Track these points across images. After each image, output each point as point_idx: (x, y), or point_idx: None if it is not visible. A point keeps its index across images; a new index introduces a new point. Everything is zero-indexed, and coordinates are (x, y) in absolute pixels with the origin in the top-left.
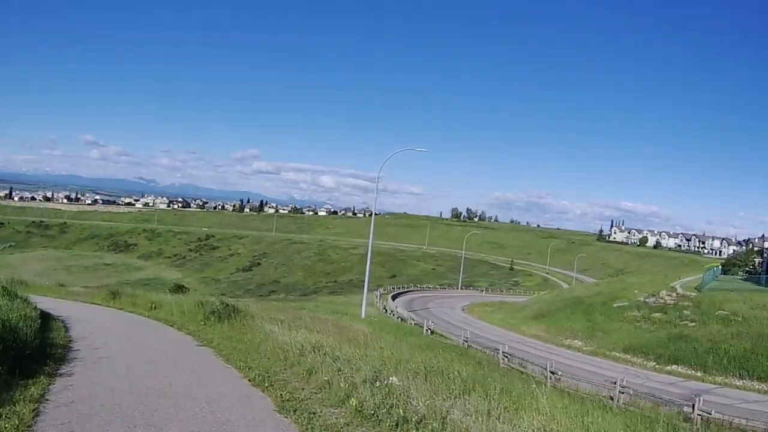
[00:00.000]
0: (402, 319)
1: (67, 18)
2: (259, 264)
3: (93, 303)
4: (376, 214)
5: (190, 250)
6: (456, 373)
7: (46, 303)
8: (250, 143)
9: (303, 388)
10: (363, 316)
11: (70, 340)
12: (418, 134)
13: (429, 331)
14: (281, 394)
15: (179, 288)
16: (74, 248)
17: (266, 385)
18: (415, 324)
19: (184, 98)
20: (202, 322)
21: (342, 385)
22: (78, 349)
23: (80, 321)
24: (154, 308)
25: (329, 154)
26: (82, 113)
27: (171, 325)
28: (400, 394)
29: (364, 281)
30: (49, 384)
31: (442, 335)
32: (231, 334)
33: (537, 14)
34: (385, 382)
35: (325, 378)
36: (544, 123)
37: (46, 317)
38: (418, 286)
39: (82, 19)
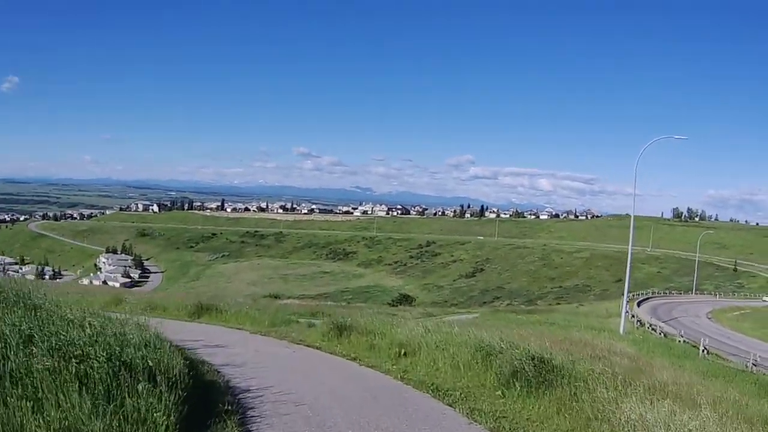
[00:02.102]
0: (665, 335)
1: (277, 36)
2: (482, 270)
3: (294, 341)
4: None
5: (411, 257)
6: None
7: (210, 336)
8: (465, 149)
9: None
10: (622, 331)
11: None
12: (634, 134)
13: (705, 351)
14: None
15: (405, 298)
16: (290, 257)
17: None
18: (683, 341)
19: (397, 106)
20: (499, 393)
21: None
22: None
23: (267, 395)
24: (404, 355)
25: (545, 156)
26: (294, 126)
27: (446, 400)
28: None
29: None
30: None
31: (717, 355)
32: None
33: None
34: None
35: None
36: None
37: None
38: (658, 292)
39: (291, 36)
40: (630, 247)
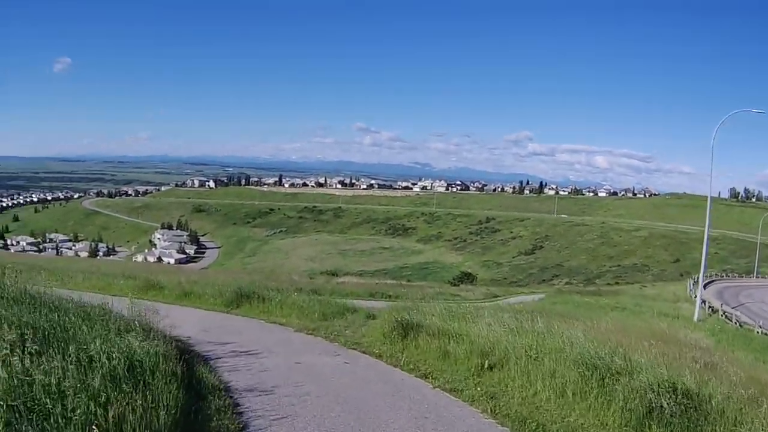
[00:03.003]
0: (740, 324)
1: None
2: (541, 247)
3: (347, 344)
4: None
5: (471, 233)
6: None
7: (244, 335)
8: (523, 125)
9: None
10: (696, 318)
11: None
12: (691, 112)
13: None
14: None
15: (466, 276)
16: (349, 232)
17: None
18: (763, 332)
19: (456, 82)
20: None
21: None
22: None
23: None
24: (488, 368)
25: (602, 134)
26: (353, 101)
27: None
28: None
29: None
30: None
31: None
32: None
33: None
34: None
35: None
36: None
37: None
38: (717, 274)
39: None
40: (707, 230)
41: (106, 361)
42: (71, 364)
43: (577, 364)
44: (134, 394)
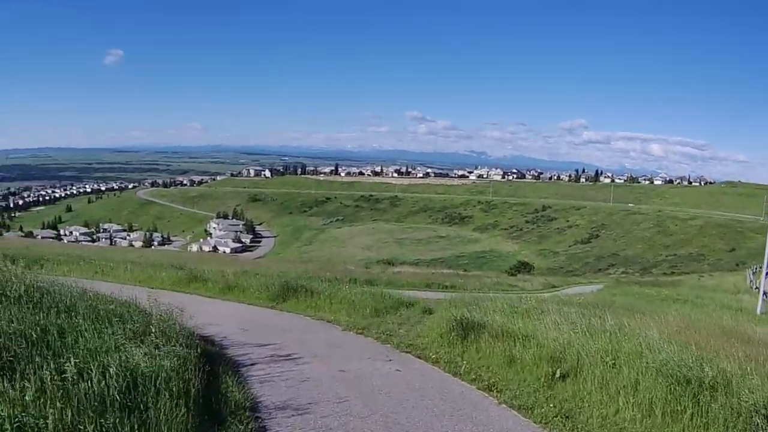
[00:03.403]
0: None
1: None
2: (597, 236)
3: (400, 346)
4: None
5: (527, 222)
6: None
7: (287, 335)
8: (578, 113)
9: None
10: (759, 311)
11: None
12: (746, 100)
13: None
14: None
15: (523, 266)
16: (406, 221)
17: None
18: None
19: (510, 70)
20: None
21: None
22: None
23: None
24: (560, 378)
25: (657, 121)
26: (406, 90)
27: None
28: None
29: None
30: None
31: None
32: None
33: None
34: None
35: None
36: None
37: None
38: None
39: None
40: None
41: (98, 379)
42: (33, 389)
43: (664, 375)
44: (120, 427)
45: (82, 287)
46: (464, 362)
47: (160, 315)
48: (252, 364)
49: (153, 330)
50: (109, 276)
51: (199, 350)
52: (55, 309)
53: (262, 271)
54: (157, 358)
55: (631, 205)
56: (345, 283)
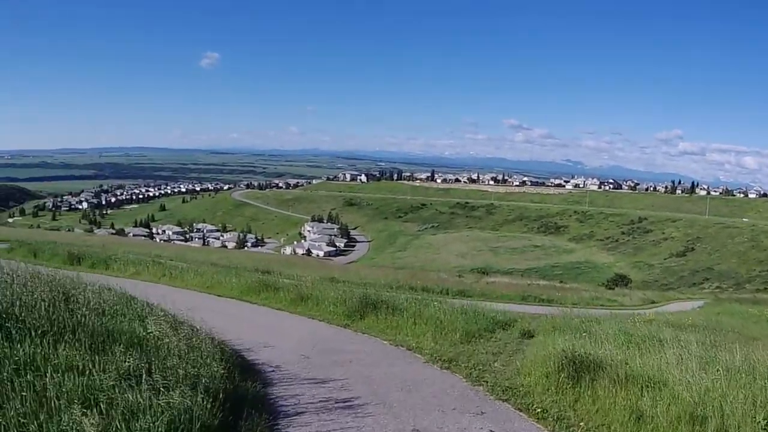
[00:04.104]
0: None
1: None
2: (692, 249)
3: (496, 388)
4: None
5: (623, 233)
6: None
7: (354, 366)
8: (674, 123)
9: None
10: None
11: None
12: None
13: None
14: None
15: (620, 279)
16: (501, 229)
17: None
18: None
19: (606, 79)
20: None
21: None
22: None
23: None
24: None
25: (751, 134)
26: (503, 97)
27: None
28: None
29: None
30: None
31: None
32: None
33: None
34: None
35: None
36: None
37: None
38: None
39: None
40: None
41: None
42: None
43: None
44: None
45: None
46: (575, 416)
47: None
48: (296, 414)
49: (159, 366)
50: (177, 280)
51: (222, 395)
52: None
53: (349, 277)
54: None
55: (692, 212)
56: (435, 294)
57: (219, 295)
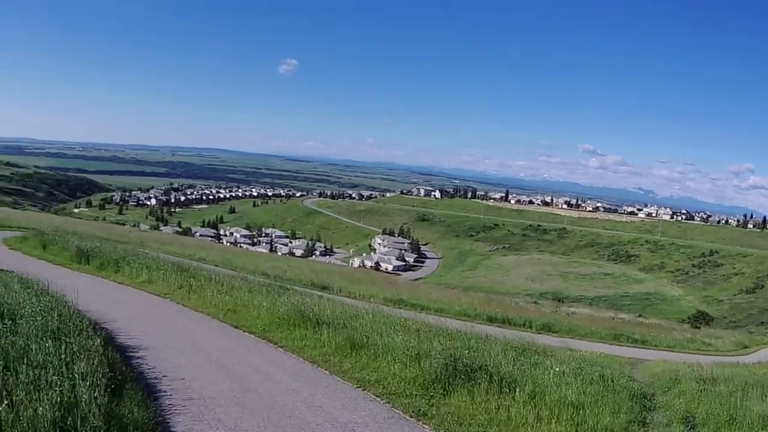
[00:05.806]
0: None
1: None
2: (762, 287)
3: None
4: None
5: (693, 266)
6: None
7: None
8: (745, 157)
9: None
10: None
11: None
12: None
13: None
14: None
15: (702, 316)
16: (572, 255)
17: None
18: None
19: (683, 109)
20: None
21: None
22: None
23: None
24: None
25: None
26: (578, 122)
27: None
28: None
29: None
30: None
31: None
32: None
33: None
34: None
35: None
36: None
37: None
38: None
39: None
40: None
41: None
42: None
43: None
44: None
45: None
46: None
47: None
48: None
49: None
50: (193, 295)
51: None
52: None
53: (418, 299)
54: None
55: (763, 248)
56: (518, 327)
57: (236, 327)
